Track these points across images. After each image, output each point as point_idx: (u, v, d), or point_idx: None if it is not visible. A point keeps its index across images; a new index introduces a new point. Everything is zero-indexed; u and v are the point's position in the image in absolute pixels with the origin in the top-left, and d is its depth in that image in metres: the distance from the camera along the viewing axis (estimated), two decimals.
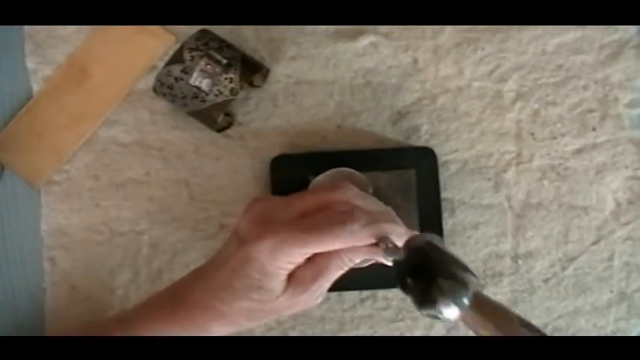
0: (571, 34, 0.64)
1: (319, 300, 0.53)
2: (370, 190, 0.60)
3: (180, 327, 0.52)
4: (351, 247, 0.51)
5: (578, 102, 0.64)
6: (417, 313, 0.62)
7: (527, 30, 0.64)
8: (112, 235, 0.64)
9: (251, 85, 0.64)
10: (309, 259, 0.51)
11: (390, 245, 0.49)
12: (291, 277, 0.51)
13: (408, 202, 0.61)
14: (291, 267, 0.50)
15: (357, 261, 0.52)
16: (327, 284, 0.52)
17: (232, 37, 0.63)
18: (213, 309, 0.51)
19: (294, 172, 0.61)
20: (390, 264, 0.50)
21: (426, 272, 0.47)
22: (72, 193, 0.64)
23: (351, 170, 0.61)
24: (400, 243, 0.51)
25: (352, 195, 0.53)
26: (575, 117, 0.64)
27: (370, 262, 0.55)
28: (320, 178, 0.61)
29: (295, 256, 0.49)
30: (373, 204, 0.54)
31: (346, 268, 0.52)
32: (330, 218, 0.50)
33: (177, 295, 0.53)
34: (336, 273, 0.52)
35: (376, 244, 0.50)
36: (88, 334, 0.55)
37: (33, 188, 0.64)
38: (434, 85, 0.64)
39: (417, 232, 0.53)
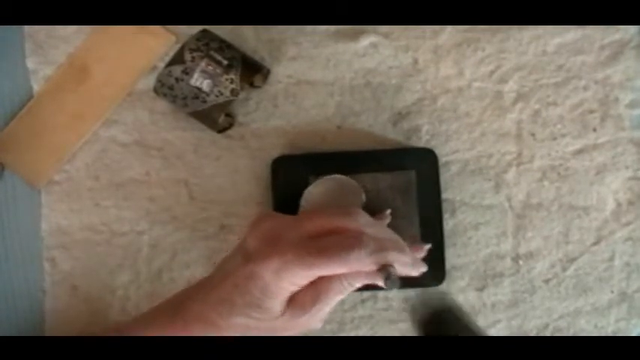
0: (571, 34, 0.64)
1: (320, 325, 0.53)
2: (363, 198, 0.60)
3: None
4: (354, 272, 0.51)
5: (579, 102, 0.64)
6: (417, 314, 0.63)
7: (527, 30, 0.64)
8: (112, 235, 0.64)
9: (251, 85, 0.64)
10: (311, 282, 0.51)
11: (391, 276, 0.49)
12: (291, 299, 0.51)
13: (408, 202, 0.61)
14: (294, 289, 0.50)
15: (358, 285, 0.52)
16: (327, 308, 0.52)
17: (232, 37, 0.63)
18: (211, 322, 0.51)
19: (294, 173, 0.61)
20: (384, 287, 0.51)
21: None
22: (72, 193, 0.64)
23: (343, 177, 0.61)
24: (405, 271, 0.52)
25: (363, 222, 0.53)
26: (576, 117, 0.64)
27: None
28: (312, 188, 0.60)
29: (300, 278, 0.49)
30: (383, 232, 0.54)
31: (346, 293, 0.52)
32: (339, 243, 0.50)
33: (178, 306, 0.53)
34: (335, 297, 0.52)
35: (378, 270, 0.50)
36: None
37: (33, 188, 0.64)
38: (434, 86, 0.64)
39: (421, 262, 0.54)
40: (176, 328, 0.52)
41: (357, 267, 0.49)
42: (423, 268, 0.54)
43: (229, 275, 0.51)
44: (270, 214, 0.55)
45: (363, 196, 0.60)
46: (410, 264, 0.52)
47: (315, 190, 0.60)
